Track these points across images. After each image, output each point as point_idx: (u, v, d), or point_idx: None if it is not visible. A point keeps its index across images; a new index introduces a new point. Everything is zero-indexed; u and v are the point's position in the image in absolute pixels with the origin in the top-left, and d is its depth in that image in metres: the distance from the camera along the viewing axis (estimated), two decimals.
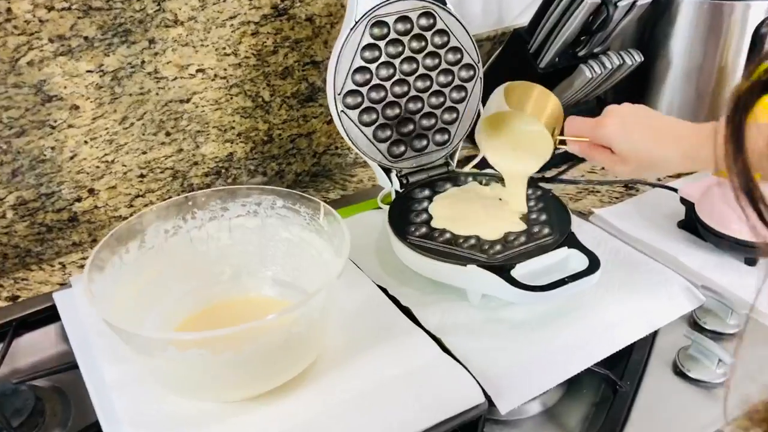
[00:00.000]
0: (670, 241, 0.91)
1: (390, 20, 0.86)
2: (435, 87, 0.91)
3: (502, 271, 0.73)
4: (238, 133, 1.01)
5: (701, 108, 1.13)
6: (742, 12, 1.05)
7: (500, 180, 0.87)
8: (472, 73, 0.92)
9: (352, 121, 0.87)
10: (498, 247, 0.77)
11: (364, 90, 0.87)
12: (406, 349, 0.70)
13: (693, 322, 0.78)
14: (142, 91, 0.91)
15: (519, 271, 0.73)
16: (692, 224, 0.92)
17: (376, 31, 0.85)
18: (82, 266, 0.91)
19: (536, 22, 1.00)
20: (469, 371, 0.66)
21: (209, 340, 0.55)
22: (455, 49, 0.91)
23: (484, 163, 0.89)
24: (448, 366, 0.67)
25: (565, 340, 0.73)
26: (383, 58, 0.87)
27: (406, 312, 0.77)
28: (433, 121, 0.92)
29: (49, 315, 0.81)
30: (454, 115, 0.93)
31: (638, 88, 1.14)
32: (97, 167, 0.91)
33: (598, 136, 0.72)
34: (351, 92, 0.86)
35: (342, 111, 0.86)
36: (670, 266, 0.84)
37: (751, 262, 0.87)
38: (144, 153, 0.94)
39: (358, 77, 0.86)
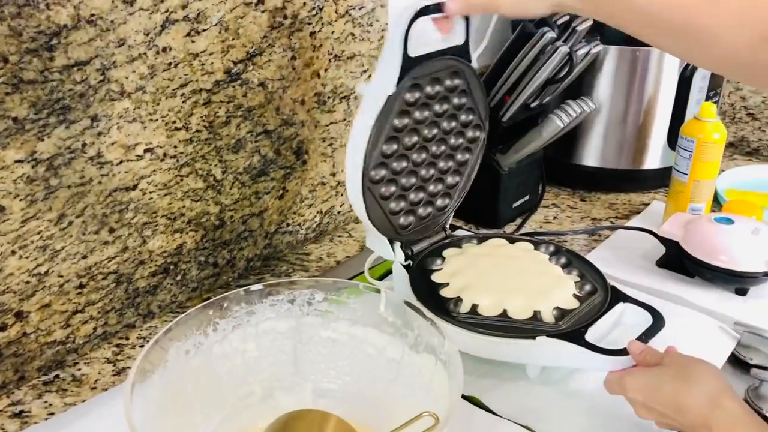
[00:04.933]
0: (664, 282, 0.91)
1: (424, 82, 0.74)
2: (448, 150, 0.81)
3: (575, 338, 0.66)
4: (188, 219, 0.85)
5: (626, 156, 1.17)
6: (657, 57, 1.11)
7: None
8: (478, 133, 0.83)
9: (374, 197, 0.75)
10: (554, 313, 0.70)
11: (389, 161, 0.75)
12: None
13: (735, 360, 0.77)
14: (83, 180, 0.72)
15: (591, 336, 0.67)
16: (675, 262, 0.93)
17: (409, 96, 0.73)
18: (13, 415, 0.69)
19: (496, 76, 0.97)
20: None
21: None
22: (469, 110, 0.81)
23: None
24: None
25: None
26: (410, 125, 0.75)
27: (472, 401, 0.67)
28: (440, 186, 0.83)
29: None
30: (457, 179, 0.84)
31: (568, 137, 1.16)
32: (27, 282, 0.71)
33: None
34: (377, 165, 0.74)
35: (368, 188, 0.73)
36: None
37: (741, 291, 0.89)
38: (84, 257, 0.75)
39: (385, 147, 0.74)
